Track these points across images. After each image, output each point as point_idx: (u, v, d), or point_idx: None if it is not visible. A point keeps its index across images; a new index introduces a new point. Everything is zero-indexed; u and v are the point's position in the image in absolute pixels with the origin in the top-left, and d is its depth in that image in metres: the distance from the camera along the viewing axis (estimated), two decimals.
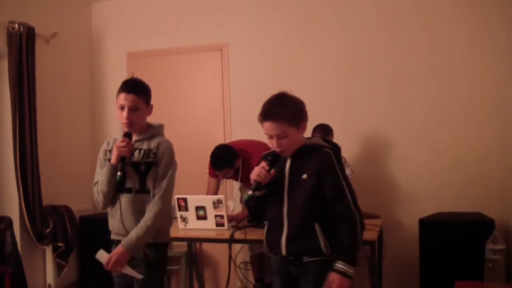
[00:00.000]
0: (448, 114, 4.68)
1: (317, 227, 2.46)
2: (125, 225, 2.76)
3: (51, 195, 4.99)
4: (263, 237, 2.65)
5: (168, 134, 3.02)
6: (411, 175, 4.75)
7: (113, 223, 2.86)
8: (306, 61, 5.10)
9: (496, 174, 4.48)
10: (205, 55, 5.44)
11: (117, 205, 2.80)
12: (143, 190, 2.78)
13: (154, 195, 2.77)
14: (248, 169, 4.23)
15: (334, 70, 5.01)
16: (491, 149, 4.54)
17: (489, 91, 4.56)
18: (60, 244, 4.90)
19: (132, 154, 2.80)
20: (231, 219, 4.12)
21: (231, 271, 4.20)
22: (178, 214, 4.03)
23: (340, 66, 4.99)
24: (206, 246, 5.30)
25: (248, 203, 2.67)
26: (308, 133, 3.09)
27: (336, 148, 2.57)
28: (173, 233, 3.96)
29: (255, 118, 5.59)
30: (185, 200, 3.99)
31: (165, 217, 2.85)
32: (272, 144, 2.53)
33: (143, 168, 2.79)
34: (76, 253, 5.21)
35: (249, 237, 3.80)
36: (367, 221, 3.20)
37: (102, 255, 2.70)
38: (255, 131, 5.21)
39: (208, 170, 4.45)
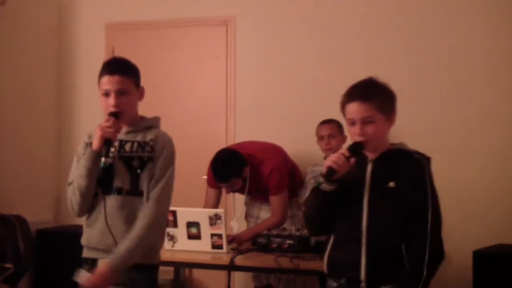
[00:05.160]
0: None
1: (404, 248, 2.55)
2: (113, 234, 2.75)
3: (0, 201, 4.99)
4: (325, 256, 2.71)
5: None
6: (464, 197, 4.76)
7: (91, 235, 2.84)
8: (328, 40, 5.16)
9: None
10: (207, 30, 5.47)
11: (99, 210, 2.79)
12: (135, 191, 2.81)
13: (148, 199, 2.81)
14: (258, 179, 4.24)
15: (357, 53, 5.09)
16: None
17: None
18: (8, 265, 4.84)
19: (123, 146, 2.84)
20: (231, 239, 4.10)
21: None
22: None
23: (363, 49, 5.09)
24: (198, 273, 5.31)
25: (310, 201, 2.73)
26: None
27: (426, 158, 2.68)
28: None
29: (266, 110, 5.65)
30: (173, 213, 3.96)
31: (160, 229, 2.87)
32: (354, 133, 2.60)
33: (136, 164, 2.82)
34: (30, 276, 5.20)
35: (253, 263, 3.78)
36: None
37: (82, 276, 2.72)
38: (265, 129, 5.29)
39: (206, 178, 4.46)
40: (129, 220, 2.78)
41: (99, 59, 5.13)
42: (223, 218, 3.90)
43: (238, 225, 4.57)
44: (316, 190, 2.64)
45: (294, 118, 5.13)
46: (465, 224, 4.71)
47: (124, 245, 2.71)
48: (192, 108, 5.49)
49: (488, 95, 4.79)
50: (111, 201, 2.79)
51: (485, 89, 4.80)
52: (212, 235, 3.92)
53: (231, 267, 3.78)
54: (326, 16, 5.18)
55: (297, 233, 3.90)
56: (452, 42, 4.90)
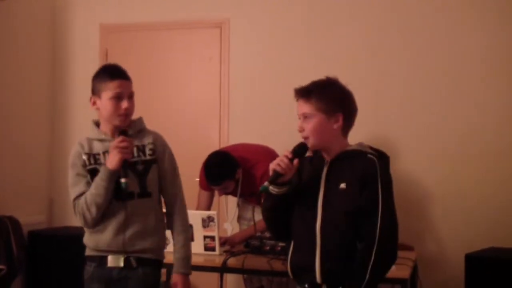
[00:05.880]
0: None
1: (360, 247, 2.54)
2: (127, 236, 2.91)
3: None
4: (288, 260, 2.72)
5: None
6: (456, 198, 4.77)
7: (100, 239, 2.93)
8: (324, 42, 5.16)
9: None
10: (200, 33, 5.48)
11: (109, 217, 2.90)
12: (144, 193, 2.96)
13: (158, 199, 3.02)
14: (250, 182, 4.23)
15: (354, 56, 5.12)
16: None
17: None
18: (0, 267, 4.83)
19: None
20: (224, 241, 4.12)
21: None
22: None
23: (361, 50, 5.12)
24: (190, 275, 5.23)
25: (263, 204, 2.75)
26: None
27: (384, 157, 2.66)
28: None
29: (259, 113, 5.66)
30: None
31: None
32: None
33: (141, 168, 2.96)
34: (23, 278, 5.18)
35: (246, 265, 3.77)
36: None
37: None
38: (259, 132, 5.28)
39: (198, 180, 4.46)
40: (141, 221, 2.93)
41: (93, 60, 5.16)
42: (216, 220, 3.93)
43: (232, 227, 4.57)
44: (267, 193, 2.65)
45: (287, 121, 5.07)
46: (457, 227, 4.73)
47: (183, 251, 3.04)
48: (186, 110, 5.49)
49: (488, 95, 4.80)
50: (127, 206, 2.92)
51: (485, 89, 4.81)
52: (205, 237, 3.95)
53: (223, 269, 3.79)
54: (321, 19, 5.18)
55: None
56: (452, 42, 4.92)
